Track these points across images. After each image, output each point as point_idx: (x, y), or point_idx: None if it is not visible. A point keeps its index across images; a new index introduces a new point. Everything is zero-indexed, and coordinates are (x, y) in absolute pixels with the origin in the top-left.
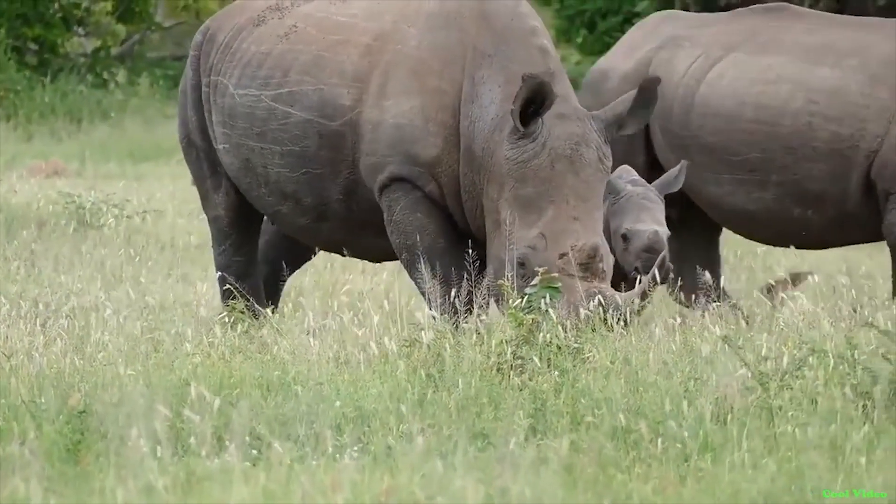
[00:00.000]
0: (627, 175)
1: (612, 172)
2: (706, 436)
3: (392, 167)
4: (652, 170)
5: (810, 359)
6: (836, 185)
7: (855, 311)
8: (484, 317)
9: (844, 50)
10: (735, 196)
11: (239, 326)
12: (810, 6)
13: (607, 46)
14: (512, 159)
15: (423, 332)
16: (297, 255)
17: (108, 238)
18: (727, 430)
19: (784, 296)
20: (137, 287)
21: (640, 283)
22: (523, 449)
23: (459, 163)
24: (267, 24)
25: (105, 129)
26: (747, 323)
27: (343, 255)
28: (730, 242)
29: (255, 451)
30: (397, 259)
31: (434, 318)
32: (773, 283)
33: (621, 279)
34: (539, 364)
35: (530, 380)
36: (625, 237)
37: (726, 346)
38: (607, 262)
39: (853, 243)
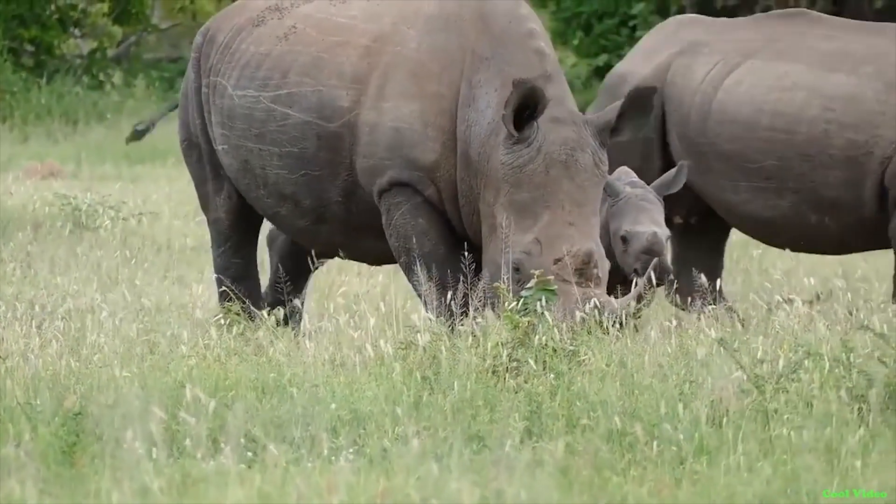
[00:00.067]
0: (626, 177)
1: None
2: (701, 439)
3: (392, 171)
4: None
5: (806, 362)
6: (852, 191)
7: (851, 315)
8: (480, 319)
9: (861, 56)
10: (752, 203)
11: (234, 328)
12: (807, 6)
13: (603, 49)
14: (507, 164)
15: (418, 335)
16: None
17: (104, 240)
18: (722, 432)
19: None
20: (133, 289)
21: (636, 285)
22: (519, 451)
23: (456, 167)
24: (266, 25)
25: (101, 130)
26: (743, 326)
27: (341, 258)
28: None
29: (250, 454)
30: (396, 262)
31: (430, 320)
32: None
33: (620, 281)
34: (535, 367)
35: (526, 382)
36: (624, 239)
37: (722, 348)
38: (602, 268)
39: (871, 249)
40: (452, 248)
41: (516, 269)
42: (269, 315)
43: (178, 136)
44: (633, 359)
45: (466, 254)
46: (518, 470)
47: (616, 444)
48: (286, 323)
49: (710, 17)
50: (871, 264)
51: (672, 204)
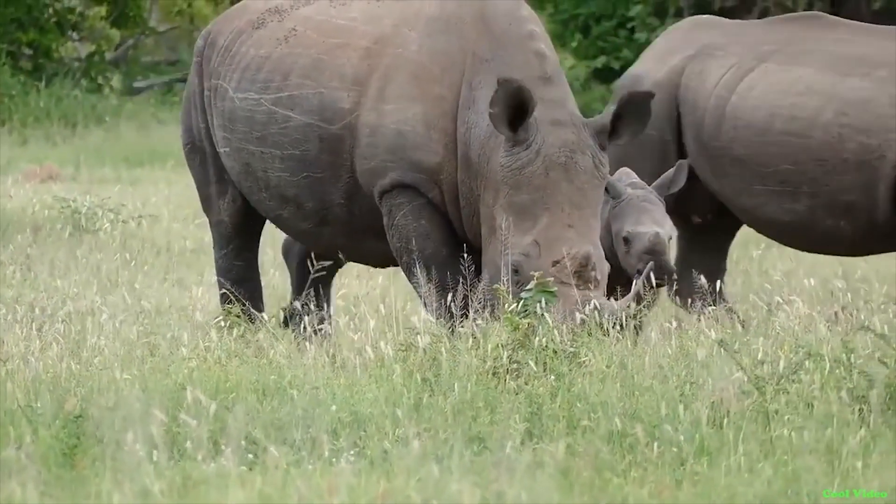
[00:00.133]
0: (627, 178)
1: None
2: (702, 440)
3: (395, 173)
4: (688, 190)
5: (806, 363)
6: (866, 195)
7: (851, 315)
8: (480, 321)
9: (875, 60)
10: (767, 207)
11: (235, 330)
12: (805, 9)
13: (601, 51)
14: (506, 166)
15: (418, 337)
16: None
17: (104, 242)
18: (723, 433)
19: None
20: (133, 291)
21: (635, 285)
22: (519, 453)
23: (457, 169)
24: (266, 28)
25: (100, 133)
26: (743, 327)
27: (343, 261)
28: None
29: (251, 456)
30: (398, 264)
31: (430, 321)
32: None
33: (623, 283)
34: (535, 368)
35: (526, 384)
36: (626, 240)
37: (722, 350)
38: (601, 270)
39: (888, 251)
40: (454, 251)
41: (515, 271)
42: (285, 321)
43: (182, 139)
44: (633, 360)
45: (466, 256)
46: (519, 471)
47: (617, 445)
48: (315, 332)
49: (725, 19)
50: (871, 265)
51: (691, 204)
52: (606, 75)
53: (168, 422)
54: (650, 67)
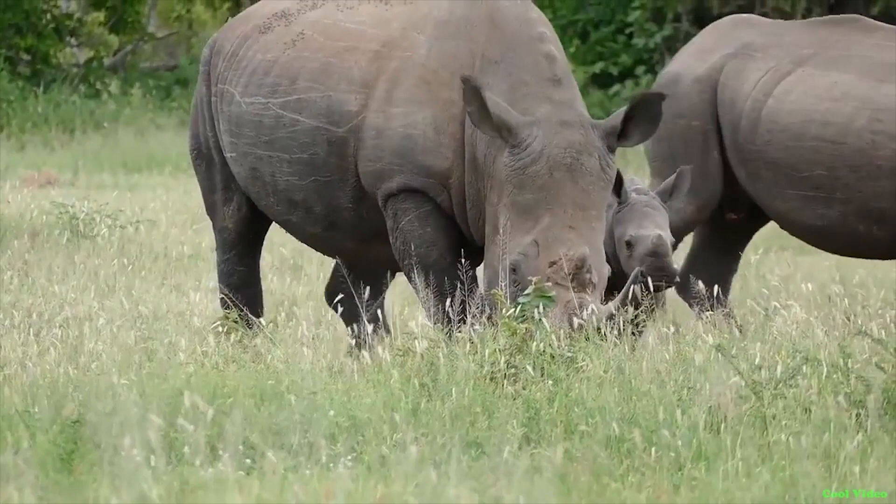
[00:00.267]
0: (631, 183)
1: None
2: (700, 444)
3: (402, 177)
4: (726, 186)
5: (804, 367)
6: None
7: (848, 320)
8: (477, 326)
9: None
10: (801, 212)
11: (232, 336)
12: (804, 14)
13: (600, 56)
14: (509, 165)
15: (416, 342)
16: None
17: (102, 248)
18: (721, 438)
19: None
20: (131, 297)
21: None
22: (517, 458)
23: (465, 172)
24: (273, 32)
25: (98, 139)
26: (741, 332)
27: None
28: None
29: (248, 461)
30: None
31: (428, 326)
32: None
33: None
34: (532, 373)
35: (524, 389)
36: (629, 243)
37: (720, 354)
38: (598, 274)
39: None
40: (458, 258)
41: (513, 270)
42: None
43: (189, 144)
44: (630, 365)
45: (464, 261)
46: (516, 476)
47: (614, 450)
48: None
49: (764, 19)
50: (868, 270)
51: (726, 200)
52: (604, 80)
53: (165, 427)
54: (689, 64)
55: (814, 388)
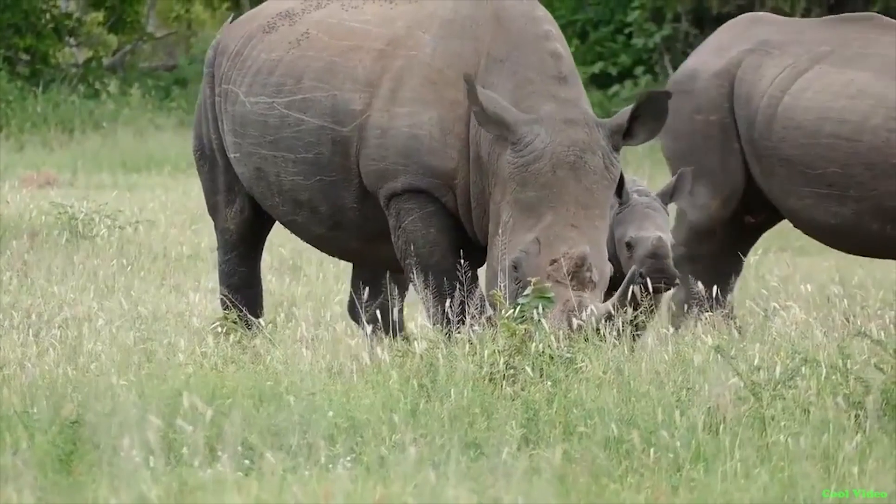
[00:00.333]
0: (632, 184)
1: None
2: (698, 445)
3: (407, 177)
4: (748, 183)
5: (803, 368)
6: None
7: (847, 321)
8: (476, 327)
9: None
10: (814, 209)
11: (231, 336)
12: (803, 14)
13: (599, 56)
14: (512, 163)
15: (415, 343)
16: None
17: (101, 248)
18: (719, 439)
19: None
20: (130, 297)
21: (624, 291)
22: (516, 459)
23: (470, 171)
24: (277, 32)
25: (97, 139)
26: (739, 333)
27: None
28: None
29: (247, 462)
30: None
31: (427, 327)
32: None
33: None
34: (531, 374)
35: (523, 390)
36: (629, 245)
37: (719, 355)
38: (599, 272)
39: None
40: (459, 259)
41: (515, 268)
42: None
43: (192, 145)
44: (630, 366)
45: (463, 262)
46: (515, 477)
47: (613, 451)
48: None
49: (781, 17)
50: (867, 271)
51: (745, 202)
52: (604, 81)
53: (164, 427)
54: (706, 60)
55: (813, 389)
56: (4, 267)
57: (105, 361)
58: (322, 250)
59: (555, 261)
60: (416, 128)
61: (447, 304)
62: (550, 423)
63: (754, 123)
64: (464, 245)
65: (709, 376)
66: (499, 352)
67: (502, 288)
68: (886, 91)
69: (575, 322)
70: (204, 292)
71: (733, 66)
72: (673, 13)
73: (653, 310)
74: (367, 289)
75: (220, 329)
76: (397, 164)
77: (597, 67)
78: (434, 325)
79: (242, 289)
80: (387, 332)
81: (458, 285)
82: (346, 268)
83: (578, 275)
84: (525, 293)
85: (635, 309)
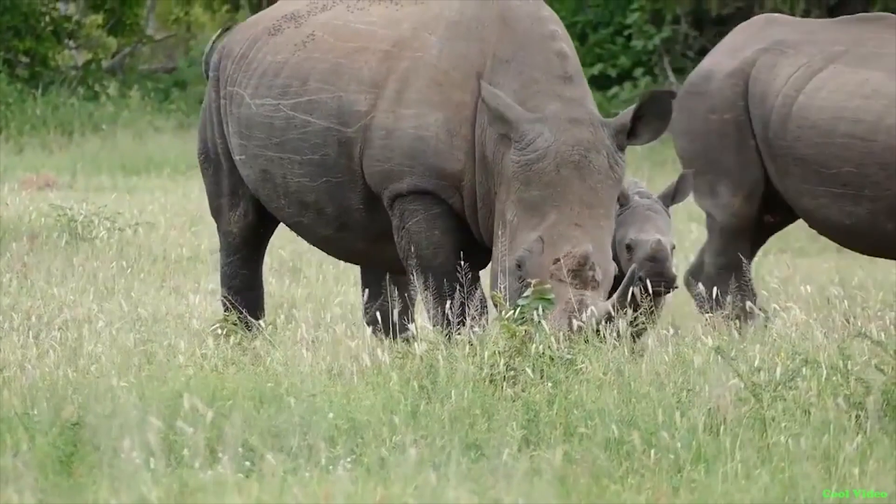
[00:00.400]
0: (634, 186)
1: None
2: (699, 446)
3: (413, 178)
4: (767, 182)
5: (803, 369)
6: None
7: (848, 322)
8: (476, 328)
9: None
10: (829, 209)
11: (232, 338)
12: (802, 15)
13: (599, 58)
14: (516, 161)
15: (415, 344)
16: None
17: (100, 250)
18: (720, 440)
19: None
20: (130, 299)
21: (623, 292)
22: (516, 460)
23: (476, 172)
24: (283, 34)
25: (96, 141)
26: (740, 334)
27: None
28: None
29: (248, 463)
30: None
31: (427, 328)
32: None
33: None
34: (532, 375)
35: (523, 391)
36: (629, 247)
37: (719, 357)
38: (603, 272)
39: None
40: (460, 261)
41: (518, 267)
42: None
43: (197, 147)
44: (630, 367)
45: (463, 263)
46: (516, 478)
47: (614, 452)
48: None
49: (796, 18)
50: (867, 272)
51: (765, 202)
52: (603, 82)
53: (165, 429)
54: (720, 61)
55: (813, 389)
56: (4, 269)
57: (105, 363)
58: (328, 252)
59: (558, 260)
60: (423, 129)
61: (447, 304)
62: (551, 424)
63: (769, 123)
64: (466, 247)
65: (709, 377)
66: (499, 353)
67: (502, 289)
68: None
69: (575, 323)
70: (204, 294)
71: (748, 65)
72: (672, 15)
73: (653, 312)
74: (366, 290)
75: (220, 331)
76: (403, 166)
77: (596, 69)
78: (435, 326)
79: (244, 291)
80: (387, 334)
81: (458, 287)
82: (346, 269)
83: (581, 274)
84: (525, 294)
85: (635, 310)
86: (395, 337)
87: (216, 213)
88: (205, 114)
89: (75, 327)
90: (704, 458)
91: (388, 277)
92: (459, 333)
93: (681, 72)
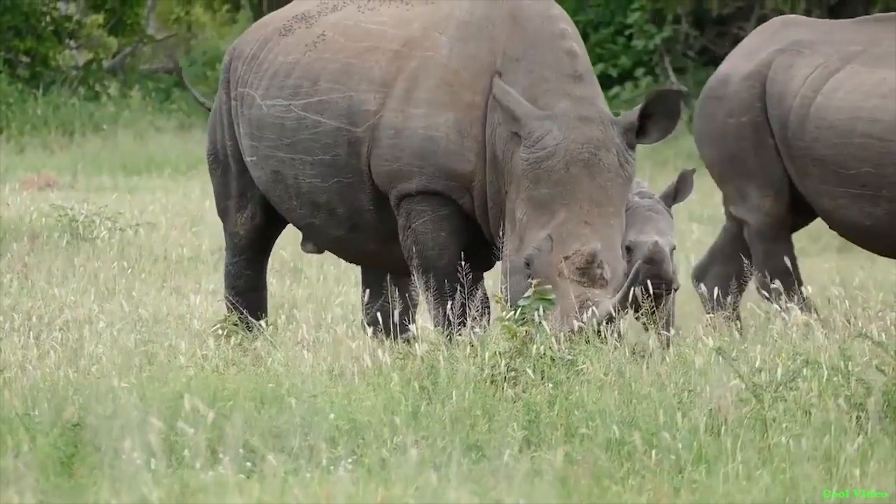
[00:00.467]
0: (635, 186)
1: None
2: (700, 447)
3: (422, 178)
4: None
5: (804, 370)
6: None
7: (849, 323)
8: (477, 329)
9: None
10: (848, 210)
11: (233, 339)
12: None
13: (599, 58)
14: (525, 159)
15: (416, 345)
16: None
17: (101, 250)
18: (721, 441)
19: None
20: (131, 299)
21: (624, 293)
22: (517, 461)
23: (486, 172)
24: (294, 35)
25: (97, 141)
26: (741, 334)
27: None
28: None
29: (249, 464)
30: None
31: (428, 329)
32: None
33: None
34: (533, 376)
35: (524, 392)
36: (628, 249)
37: (720, 357)
38: (611, 270)
39: None
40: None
41: (527, 265)
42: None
43: (206, 148)
44: (631, 368)
45: (464, 263)
46: (517, 479)
47: (615, 452)
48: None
49: (812, 18)
50: (868, 272)
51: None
52: (604, 82)
53: (166, 430)
54: (736, 64)
55: (814, 390)
56: (5, 269)
57: (106, 364)
58: (340, 255)
59: (566, 258)
60: (433, 129)
61: (448, 305)
62: (552, 425)
63: (787, 124)
64: (471, 247)
65: (710, 378)
66: (500, 354)
67: (504, 289)
68: None
69: (576, 323)
70: (205, 294)
71: (764, 66)
72: (673, 15)
73: (653, 312)
74: (367, 291)
75: (220, 331)
76: (412, 166)
77: (597, 69)
78: (436, 326)
79: (247, 292)
80: (388, 335)
81: (459, 287)
82: (346, 270)
83: (589, 272)
84: (526, 295)
85: (636, 311)
86: (395, 337)
87: (223, 214)
88: (215, 115)
89: (76, 328)
90: (705, 458)
91: (388, 278)
92: (460, 334)
93: (681, 71)
